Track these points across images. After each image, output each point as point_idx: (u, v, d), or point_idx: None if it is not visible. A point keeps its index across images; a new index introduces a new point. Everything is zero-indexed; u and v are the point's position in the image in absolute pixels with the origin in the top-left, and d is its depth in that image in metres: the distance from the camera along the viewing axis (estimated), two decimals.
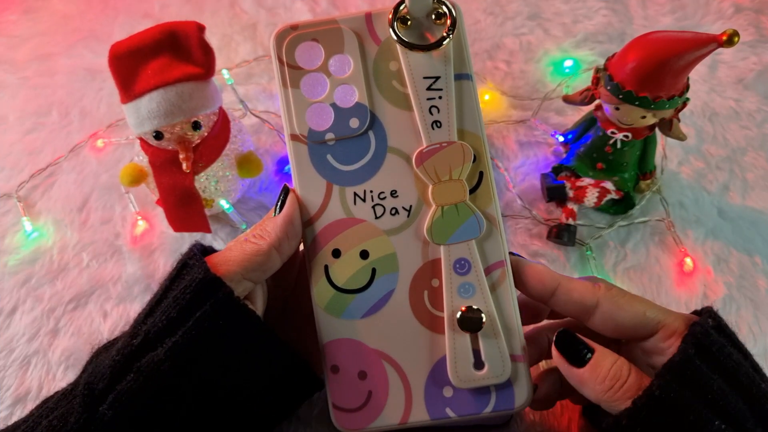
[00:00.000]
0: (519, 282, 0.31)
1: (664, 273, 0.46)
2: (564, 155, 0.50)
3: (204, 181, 0.44)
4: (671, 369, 0.27)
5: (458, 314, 0.30)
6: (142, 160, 0.44)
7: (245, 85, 0.57)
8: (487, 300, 0.30)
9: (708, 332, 0.28)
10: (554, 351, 0.30)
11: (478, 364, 0.30)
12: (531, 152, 0.52)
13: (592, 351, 0.29)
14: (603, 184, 0.46)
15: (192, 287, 0.29)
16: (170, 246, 0.48)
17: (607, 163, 0.47)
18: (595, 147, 0.47)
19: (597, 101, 0.46)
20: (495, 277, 0.31)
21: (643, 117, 0.42)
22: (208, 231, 0.45)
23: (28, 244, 0.48)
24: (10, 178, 0.52)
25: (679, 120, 0.44)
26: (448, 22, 0.31)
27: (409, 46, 0.31)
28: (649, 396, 0.27)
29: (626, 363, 0.29)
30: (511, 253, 0.32)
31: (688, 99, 0.42)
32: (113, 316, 0.44)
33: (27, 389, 0.41)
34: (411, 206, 0.31)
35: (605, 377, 0.28)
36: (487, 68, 0.58)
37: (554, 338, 0.30)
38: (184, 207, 0.43)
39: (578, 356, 0.29)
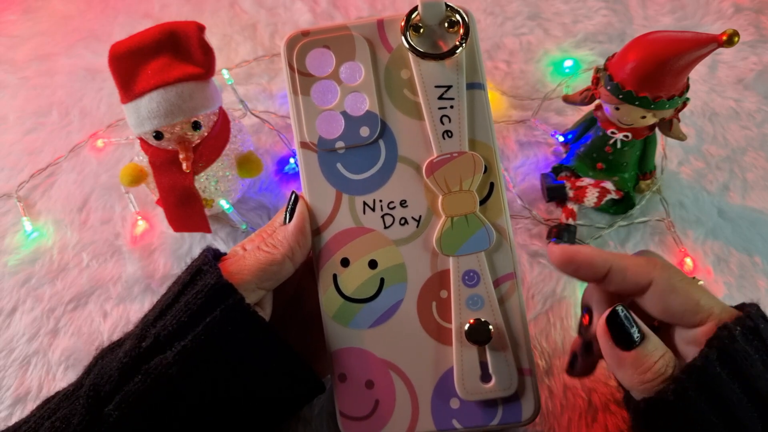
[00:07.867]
0: (569, 270, 0.30)
1: None
2: (564, 155, 0.50)
3: (204, 181, 0.44)
4: (690, 374, 0.27)
5: (466, 326, 0.30)
6: (142, 160, 0.44)
7: (245, 85, 0.57)
8: (495, 313, 0.30)
9: (734, 337, 0.27)
10: (602, 325, 0.28)
11: (485, 377, 0.30)
12: (531, 152, 0.52)
13: (642, 337, 0.28)
14: (603, 184, 0.46)
15: (204, 293, 0.29)
16: (170, 246, 0.48)
17: (607, 163, 0.47)
18: (595, 147, 0.47)
19: (597, 101, 0.45)
20: (504, 290, 0.31)
21: (643, 117, 0.42)
22: (208, 231, 0.45)
23: (28, 244, 0.48)
24: (10, 178, 0.52)
25: (679, 120, 0.44)
26: (461, 30, 0.30)
27: (422, 54, 0.30)
28: (661, 400, 0.26)
29: (673, 359, 0.28)
30: (552, 241, 0.31)
31: (688, 99, 0.42)
32: (113, 316, 0.44)
33: (27, 389, 0.41)
34: (420, 216, 0.31)
35: (648, 369, 0.27)
36: (487, 68, 0.58)
37: (608, 312, 0.28)
38: (184, 207, 0.43)
39: (627, 339, 0.28)
